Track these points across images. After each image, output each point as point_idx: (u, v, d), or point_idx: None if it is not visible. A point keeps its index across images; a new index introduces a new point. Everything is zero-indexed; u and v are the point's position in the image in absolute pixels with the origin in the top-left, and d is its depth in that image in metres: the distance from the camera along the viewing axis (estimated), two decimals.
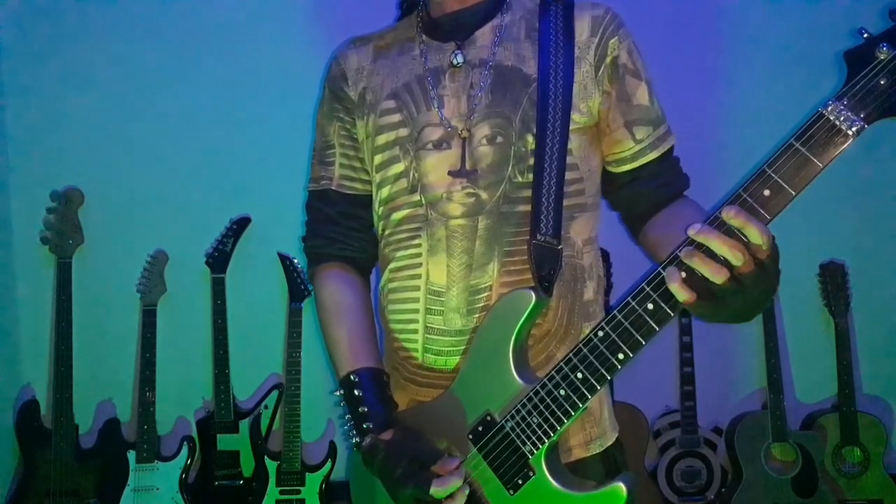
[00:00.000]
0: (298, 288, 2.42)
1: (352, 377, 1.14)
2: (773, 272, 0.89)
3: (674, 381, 2.48)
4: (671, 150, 1.19)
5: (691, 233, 0.87)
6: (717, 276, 0.86)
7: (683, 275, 0.89)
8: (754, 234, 0.85)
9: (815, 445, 2.39)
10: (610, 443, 1.19)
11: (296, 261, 2.44)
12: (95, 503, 2.30)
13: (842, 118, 0.84)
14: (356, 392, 1.13)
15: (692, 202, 1.19)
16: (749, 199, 0.87)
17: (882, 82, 0.83)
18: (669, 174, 1.18)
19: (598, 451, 1.16)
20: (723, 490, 2.47)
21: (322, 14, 2.47)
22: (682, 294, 0.88)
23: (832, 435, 2.43)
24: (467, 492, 1.04)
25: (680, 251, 0.89)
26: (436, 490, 1.01)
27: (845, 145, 0.84)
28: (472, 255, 1.11)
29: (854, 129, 0.84)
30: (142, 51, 2.47)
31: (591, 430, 1.16)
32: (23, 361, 2.49)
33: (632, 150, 1.16)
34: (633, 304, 0.95)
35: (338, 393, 1.16)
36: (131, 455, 2.32)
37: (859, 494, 2.42)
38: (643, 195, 1.18)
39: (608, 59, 1.13)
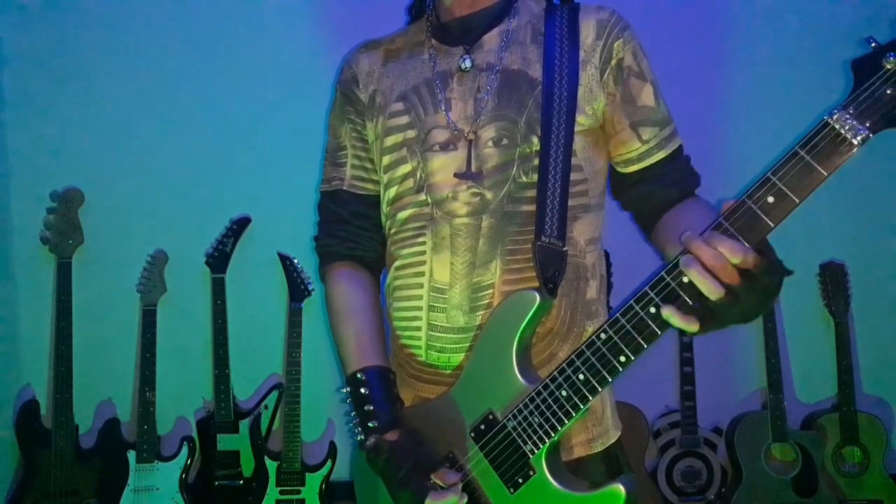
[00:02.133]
0: (298, 288, 2.42)
1: (359, 375, 1.15)
2: (767, 282, 0.89)
3: (674, 381, 2.49)
4: (679, 149, 1.19)
5: (684, 240, 0.89)
6: (714, 292, 0.87)
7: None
8: (728, 254, 0.86)
9: (815, 445, 2.39)
10: (612, 441, 1.19)
11: (296, 261, 2.44)
12: (95, 503, 2.30)
13: (847, 127, 0.84)
14: (363, 390, 1.14)
15: (701, 202, 1.18)
16: (753, 205, 0.88)
17: (888, 92, 0.83)
18: (678, 173, 1.18)
19: (599, 450, 1.17)
20: (723, 490, 2.47)
21: (322, 16, 2.47)
22: (687, 326, 0.90)
23: (832, 435, 2.43)
24: (465, 501, 1.05)
25: (680, 259, 0.90)
26: (431, 502, 1.02)
27: (850, 154, 0.84)
28: (475, 253, 1.12)
29: (859, 138, 0.84)
30: (142, 51, 2.47)
31: (593, 428, 1.16)
32: (23, 361, 2.48)
33: (638, 151, 1.16)
34: (637, 307, 0.95)
35: (344, 390, 1.17)
36: (131, 455, 2.32)
37: (859, 494, 2.42)
38: (651, 195, 1.18)
39: (613, 62, 1.14)
